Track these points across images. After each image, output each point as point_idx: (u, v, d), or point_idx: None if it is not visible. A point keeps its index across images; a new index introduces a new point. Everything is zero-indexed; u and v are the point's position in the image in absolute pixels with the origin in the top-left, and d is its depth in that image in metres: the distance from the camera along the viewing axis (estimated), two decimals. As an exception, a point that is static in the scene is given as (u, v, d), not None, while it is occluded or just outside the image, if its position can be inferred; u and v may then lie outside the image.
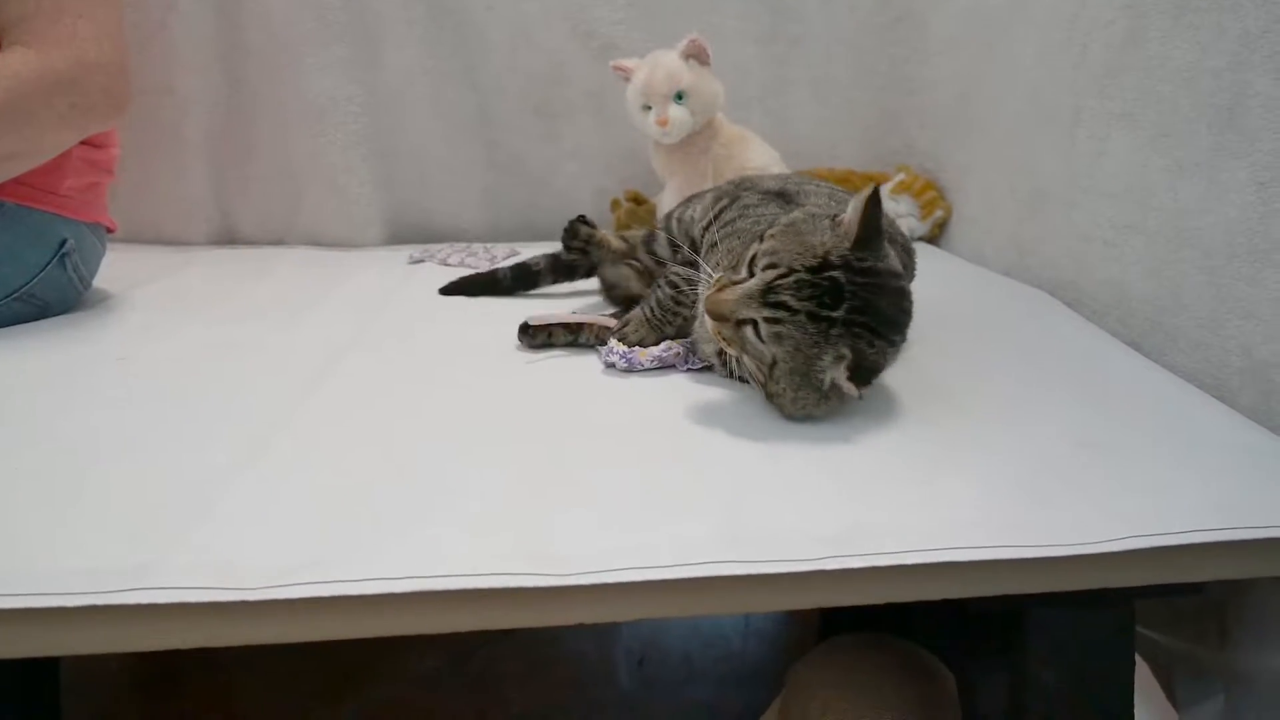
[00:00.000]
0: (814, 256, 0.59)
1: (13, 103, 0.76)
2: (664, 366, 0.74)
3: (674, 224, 0.87)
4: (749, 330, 0.60)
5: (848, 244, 0.59)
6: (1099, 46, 0.85)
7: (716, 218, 0.76)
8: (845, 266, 0.58)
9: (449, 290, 0.97)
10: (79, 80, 0.80)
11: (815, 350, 0.59)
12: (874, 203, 0.59)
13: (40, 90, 0.78)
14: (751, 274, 0.61)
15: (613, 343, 0.74)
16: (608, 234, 0.91)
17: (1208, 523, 0.50)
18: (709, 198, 0.84)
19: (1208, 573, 0.53)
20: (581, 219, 0.91)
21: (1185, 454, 0.58)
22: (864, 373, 0.59)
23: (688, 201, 0.88)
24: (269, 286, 1.02)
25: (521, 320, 0.78)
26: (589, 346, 0.77)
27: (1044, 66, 0.96)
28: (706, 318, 0.63)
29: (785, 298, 0.59)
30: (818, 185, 0.83)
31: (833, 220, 0.62)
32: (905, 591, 0.50)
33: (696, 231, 0.78)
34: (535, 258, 0.97)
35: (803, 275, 0.58)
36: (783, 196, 0.78)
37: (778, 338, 0.59)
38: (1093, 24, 0.86)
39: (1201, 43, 0.71)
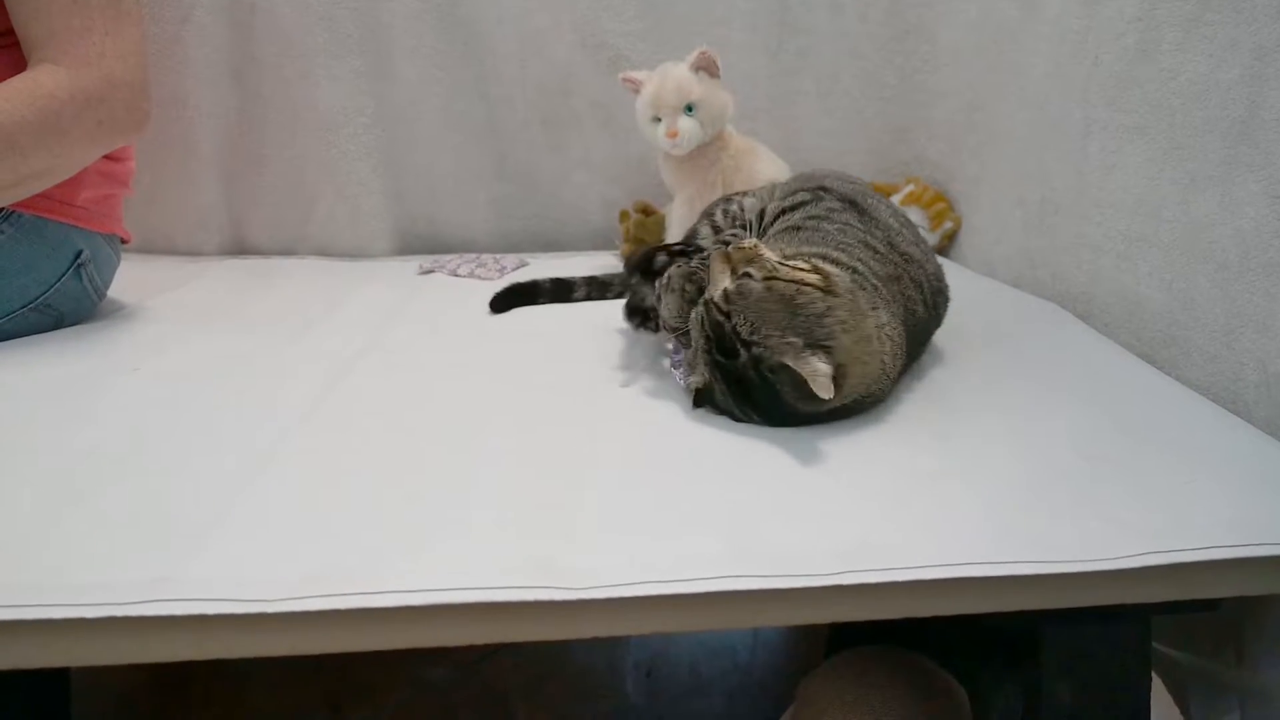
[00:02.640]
0: (742, 316, 0.61)
1: (46, 121, 0.77)
2: None
3: (719, 214, 0.83)
4: None
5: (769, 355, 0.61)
6: (1110, 58, 0.85)
7: (796, 207, 0.74)
8: (746, 345, 0.61)
9: (500, 306, 0.95)
10: (107, 98, 0.81)
11: (695, 357, 0.65)
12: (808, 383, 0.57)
13: (72, 109, 0.79)
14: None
15: (687, 356, 0.69)
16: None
17: (1224, 539, 0.50)
18: (764, 192, 0.82)
19: (1224, 589, 0.52)
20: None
21: (1200, 468, 0.58)
22: (706, 402, 0.65)
23: (729, 199, 0.85)
24: (281, 297, 1.03)
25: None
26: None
27: (1054, 78, 0.96)
28: None
29: (703, 312, 0.64)
30: (878, 197, 0.80)
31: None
32: (918, 607, 0.50)
33: (767, 210, 0.76)
34: (575, 279, 0.97)
35: (717, 313, 0.62)
36: (857, 208, 0.75)
37: None
38: (1104, 36, 0.86)
39: (1214, 56, 0.71)
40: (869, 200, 0.77)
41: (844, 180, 0.81)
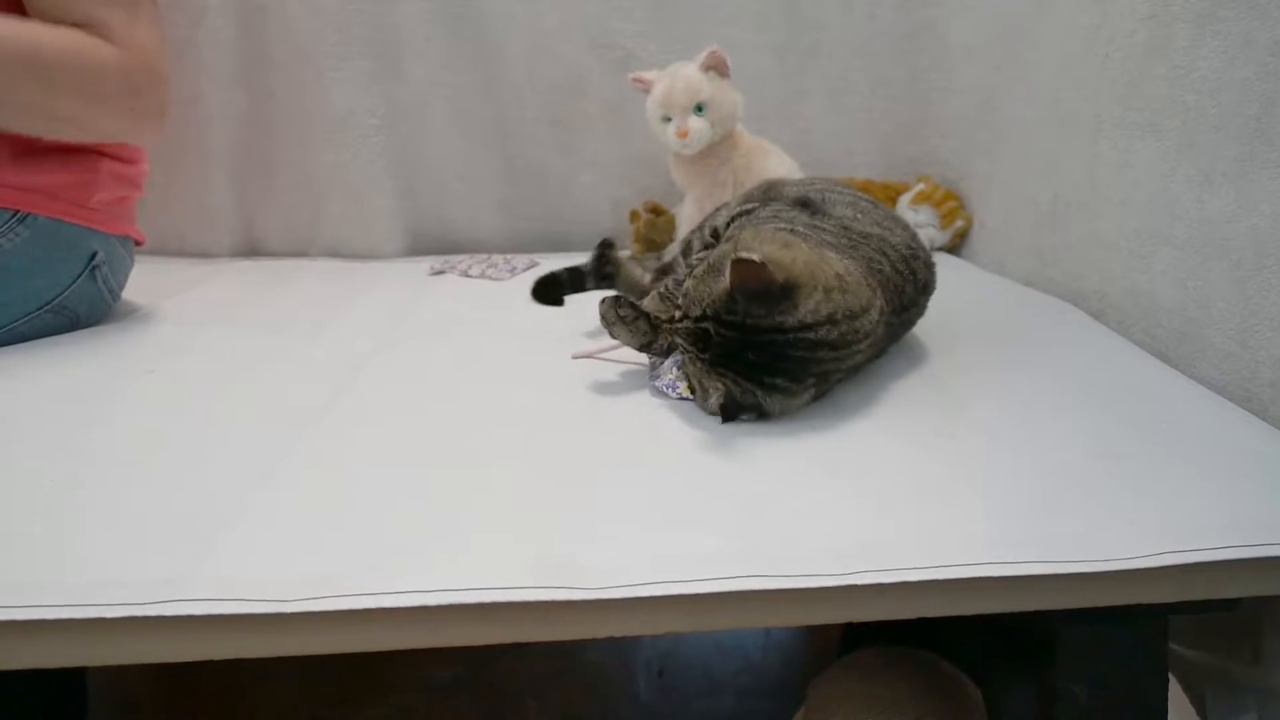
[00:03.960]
0: (698, 306, 0.65)
1: (91, 76, 0.80)
2: None
3: (705, 233, 0.86)
4: None
5: (724, 298, 0.63)
6: (1122, 56, 0.85)
7: (745, 214, 0.77)
8: (715, 319, 0.63)
9: (545, 298, 0.94)
10: (142, 89, 0.84)
11: (700, 380, 0.66)
12: (746, 266, 0.60)
13: (116, 82, 0.81)
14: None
15: (665, 368, 0.72)
16: (632, 267, 0.91)
17: (1240, 538, 0.49)
18: (736, 200, 0.85)
19: (1239, 589, 0.52)
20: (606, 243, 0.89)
21: (1216, 467, 0.57)
22: (734, 407, 0.65)
23: (715, 214, 0.88)
24: (293, 298, 1.03)
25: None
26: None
27: (1066, 75, 0.95)
28: None
29: (679, 338, 0.67)
30: (841, 192, 0.82)
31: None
32: (932, 607, 0.50)
33: (721, 225, 0.79)
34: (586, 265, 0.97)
35: (688, 323, 0.65)
36: (807, 206, 0.78)
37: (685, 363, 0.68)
38: (1115, 33, 0.86)
39: (1228, 52, 0.71)
40: (828, 196, 0.80)
41: (803, 184, 0.84)
